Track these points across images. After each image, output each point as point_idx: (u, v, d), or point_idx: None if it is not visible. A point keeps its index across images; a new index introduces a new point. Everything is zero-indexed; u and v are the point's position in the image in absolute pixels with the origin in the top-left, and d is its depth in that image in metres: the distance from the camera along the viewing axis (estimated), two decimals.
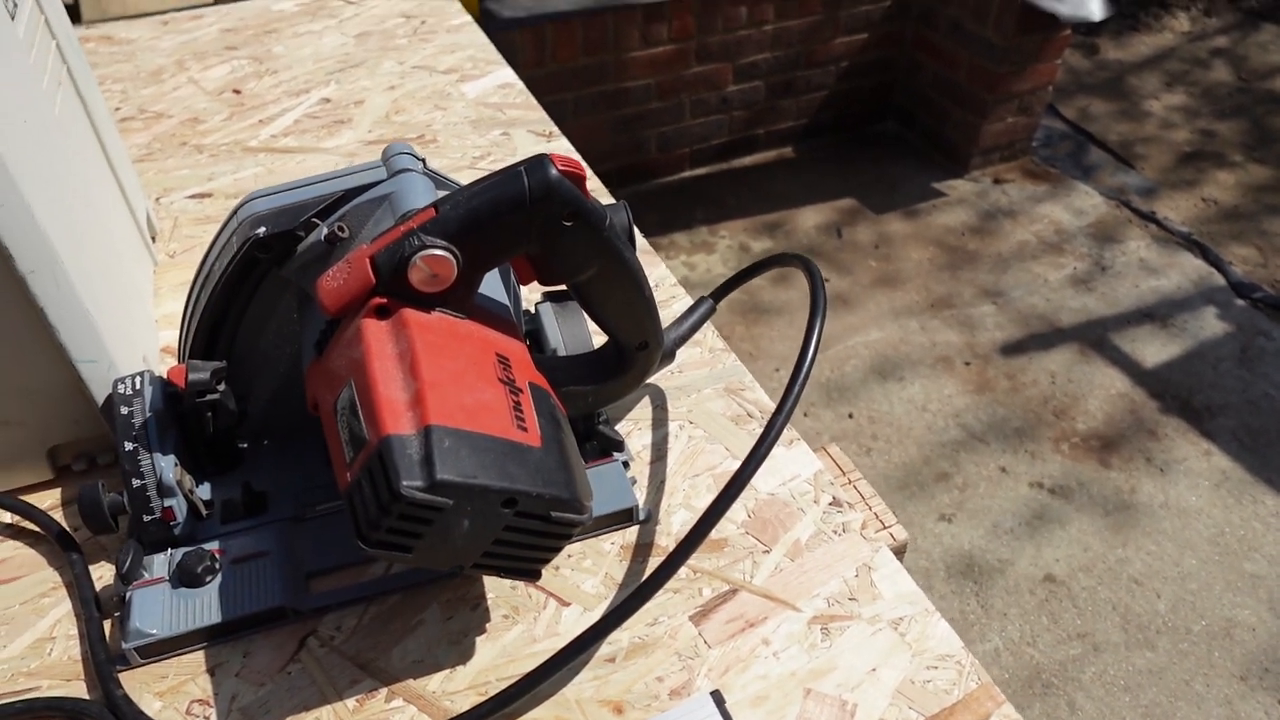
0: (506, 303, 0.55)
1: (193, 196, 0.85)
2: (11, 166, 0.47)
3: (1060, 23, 2.32)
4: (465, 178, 0.88)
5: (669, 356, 0.65)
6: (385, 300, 0.46)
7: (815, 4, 2.50)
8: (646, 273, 0.79)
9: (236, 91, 1.00)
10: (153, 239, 0.78)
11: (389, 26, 1.13)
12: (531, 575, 0.48)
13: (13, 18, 0.55)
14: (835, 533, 0.59)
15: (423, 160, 0.54)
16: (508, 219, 0.46)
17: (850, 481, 0.64)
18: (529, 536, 0.46)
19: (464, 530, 0.43)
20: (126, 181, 0.72)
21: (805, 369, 0.53)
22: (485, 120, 0.96)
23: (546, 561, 0.48)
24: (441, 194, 0.53)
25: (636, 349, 0.56)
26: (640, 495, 0.61)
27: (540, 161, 0.46)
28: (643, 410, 0.67)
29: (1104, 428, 1.94)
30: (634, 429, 0.66)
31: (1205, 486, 1.82)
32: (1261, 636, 1.57)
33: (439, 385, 0.43)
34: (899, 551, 0.61)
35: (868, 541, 0.59)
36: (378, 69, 1.05)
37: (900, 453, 1.90)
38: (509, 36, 2.18)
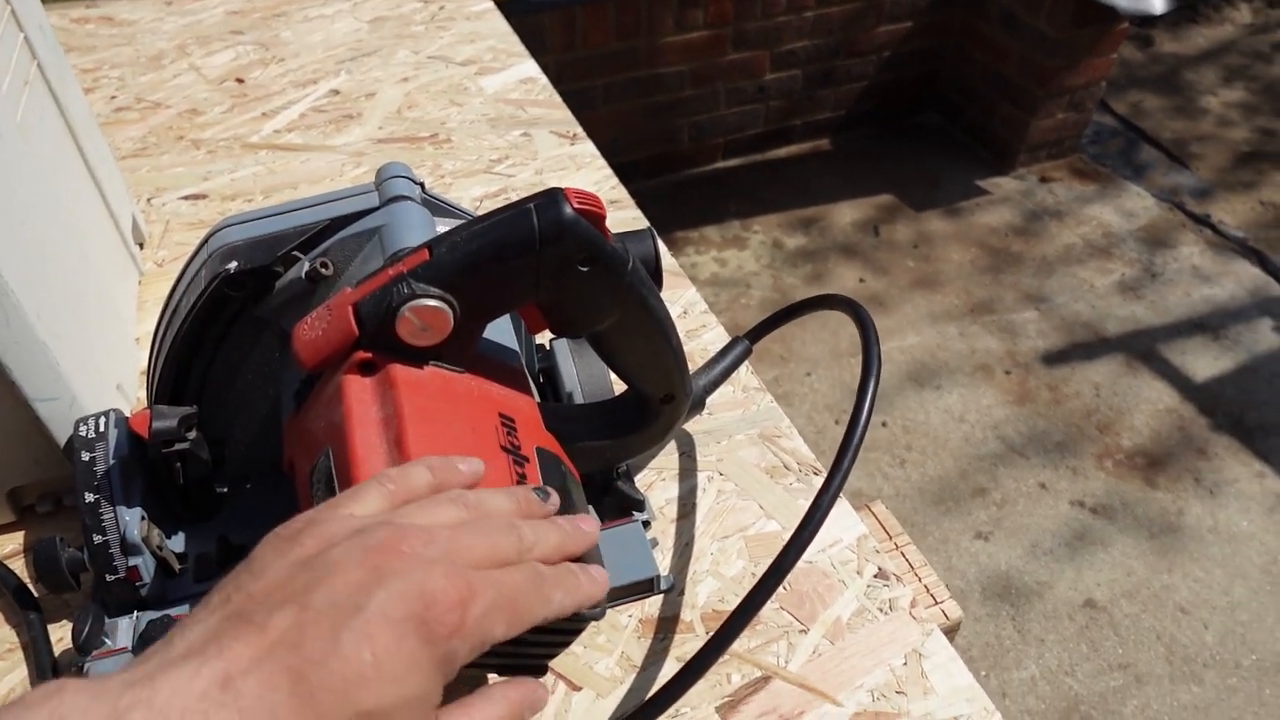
0: (516, 348, 0.48)
1: (186, 198, 0.79)
2: None
3: (1119, 16, 2.20)
4: (480, 182, 0.81)
5: (698, 406, 0.57)
6: (370, 355, 0.40)
7: None
8: (675, 295, 0.72)
9: (240, 80, 0.94)
10: (140, 245, 0.72)
11: (405, 12, 1.06)
12: (537, 671, 0.42)
13: None
14: (881, 610, 0.52)
15: (421, 185, 0.47)
16: (514, 264, 0.39)
17: (898, 548, 0.56)
18: (532, 633, 0.39)
19: None
20: (109, 186, 0.66)
21: (858, 435, 0.46)
22: (504, 119, 0.89)
23: (553, 657, 0.42)
24: (442, 226, 0.46)
25: (661, 401, 0.49)
26: (663, 560, 0.54)
27: (553, 198, 0.39)
28: (667, 458, 0.60)
29: (1150, 445, 1.85)
30: (656, 480, 0.59)
31: (1258, 510, 1.72)
32: None
33: None
34: (951, 631, 0.54)
35: (918, 622, 0.52)
36: (391, 59, 0.98)
37: (936, 465, 1.82)
38: (538, 19, 2.10)
